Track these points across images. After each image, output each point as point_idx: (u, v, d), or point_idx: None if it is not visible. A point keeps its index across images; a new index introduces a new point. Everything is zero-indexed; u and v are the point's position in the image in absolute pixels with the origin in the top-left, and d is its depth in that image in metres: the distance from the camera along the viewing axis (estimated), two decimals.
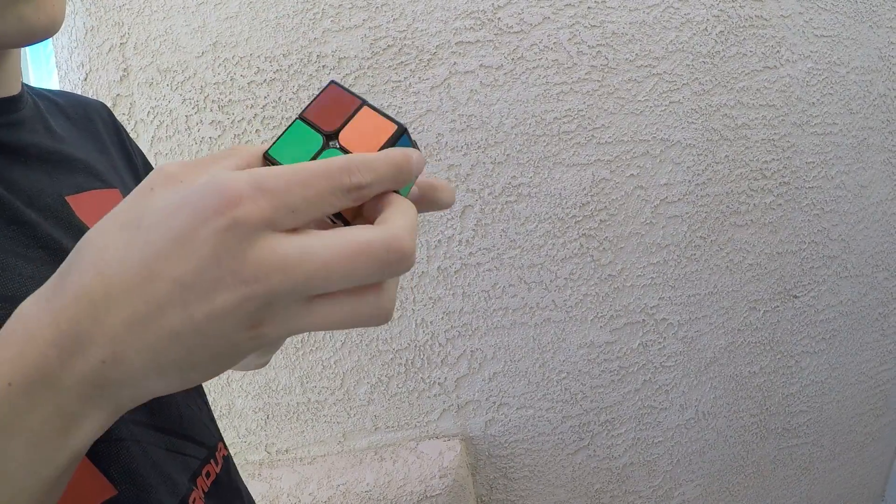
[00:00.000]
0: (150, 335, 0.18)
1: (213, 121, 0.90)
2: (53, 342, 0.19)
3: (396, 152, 0.21)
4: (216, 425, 0.44)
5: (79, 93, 0.97)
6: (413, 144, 0.24)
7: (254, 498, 0.45)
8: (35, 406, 0.19)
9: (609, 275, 0.93)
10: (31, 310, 0.20)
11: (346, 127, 0.24)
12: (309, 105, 0.25)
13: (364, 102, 0.25)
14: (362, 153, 0.21)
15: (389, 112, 0.88)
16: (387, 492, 0.88)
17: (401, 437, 0.94)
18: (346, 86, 0.25)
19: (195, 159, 0.21)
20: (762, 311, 1.01)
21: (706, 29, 0.92)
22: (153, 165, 0.93)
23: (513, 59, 0.88)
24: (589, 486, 1.02)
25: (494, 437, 0.96)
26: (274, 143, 0.25)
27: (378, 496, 0.88)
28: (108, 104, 0.98)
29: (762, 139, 0.97)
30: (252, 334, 0.19)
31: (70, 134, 0.42)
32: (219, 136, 0.90)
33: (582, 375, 0.96)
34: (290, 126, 0.25)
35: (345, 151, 0.23)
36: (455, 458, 0.90)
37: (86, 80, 0.99)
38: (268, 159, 0.24)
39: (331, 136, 0.24)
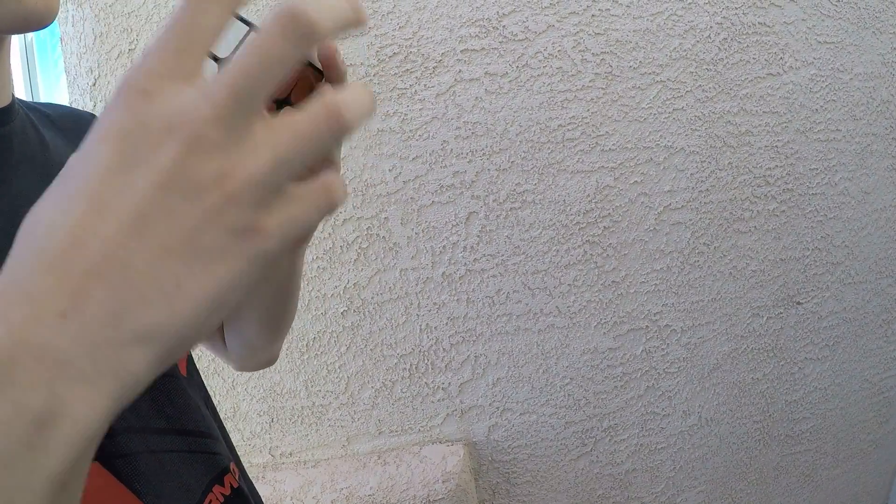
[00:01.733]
0: (105, 241, 0.15)
1: None
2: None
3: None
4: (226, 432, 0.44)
5: (87, 99, 0.98)
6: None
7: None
8: None
9: (612, 281, 0.93)
10: None
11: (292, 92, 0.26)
12: None
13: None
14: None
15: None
16: (390, 496, 0.89)
17: (404, 441, 0.95)
18: None
19: None
20: (765, 318, 1.01)
21: (709, 36, 0.92)
22: None
23: (517, 66, 0.88)
24: (591, 491, 1.02)
25: (497, 442, 0.97)
26: None
27: (381, 500, 0.88)
28: None
29: (765, 146, 0.97)
30: (214, 199, 0.16)
31: (63, 145, 0.41)
32: None
33: (585, 381, 0.96)
34: None
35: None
36: (458, 463, 0.90)
37: (94, 85, 1.00)
38: None
39: (284, 102, 0.26)
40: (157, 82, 0.16)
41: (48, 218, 0.16)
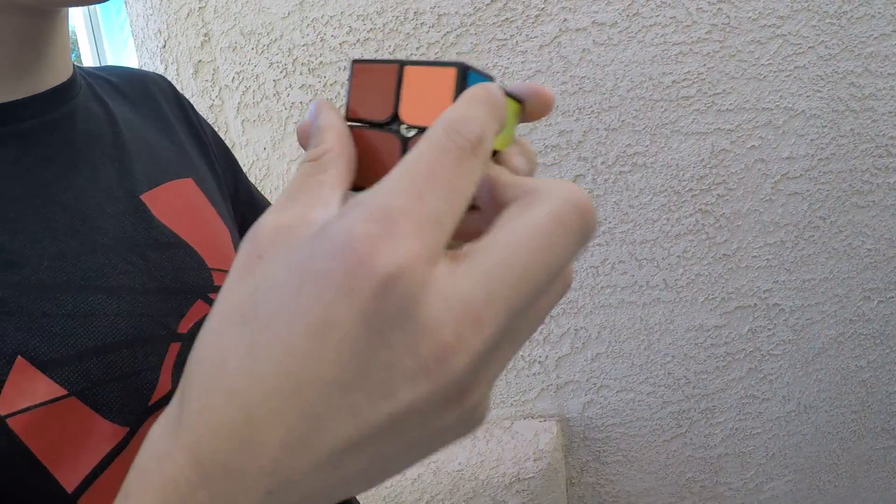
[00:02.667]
0: (318, 451, 0.14)
1: (303, 84, 0.86)
2: (200, 484, 0.14)
3: (473, 90, 0.16)
4: None
5: (157, 62, 0.93)
6: (486, 76, 0.19)
7: None
8: None
9: (723, 254, 0.87)
10: (161, 444, 0.15)
11: (402, 102, 0.18)
12: (348, 102, 0.19)
13: (402, 62, 0.19)
14: (456, 110, 0.15)
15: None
16: (479, 472, 0.85)
17: (496, 415, 0.90)
18: (375, 56, 0.20)
19: (293, 188, 0.16)
20: (876, 301, 0.94)
21: None
22: (225, 138, 0.89)
23: (628, 15, 0.81)
24: (680, 474, 0.97)
25: (591, 419, 0.92)
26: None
27: (469, 476, 0.84)
28: (189, 71, 0.94)
29: (889, 112, 0.89)
30: (457, 413, 0.14)
31: (132, 117, 0.37)
32: (310, 100, 0.86)
33: (687, 360, 0.90)
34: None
35: (420, 129, 0.18)
36: (551, 441, 0.86)
37: (164, 47, 0.94)
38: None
39: (392, 123, 0.18)
40: (420, 277, 0.12)
41: (244, 396, 0.14)
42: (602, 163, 0.82)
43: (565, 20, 0.81)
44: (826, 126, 0.87)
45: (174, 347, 0.29)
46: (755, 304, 0.89)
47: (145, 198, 0.32)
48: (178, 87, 0.92)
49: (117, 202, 0.30)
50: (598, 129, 0.82)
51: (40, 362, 0.24)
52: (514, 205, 0.15)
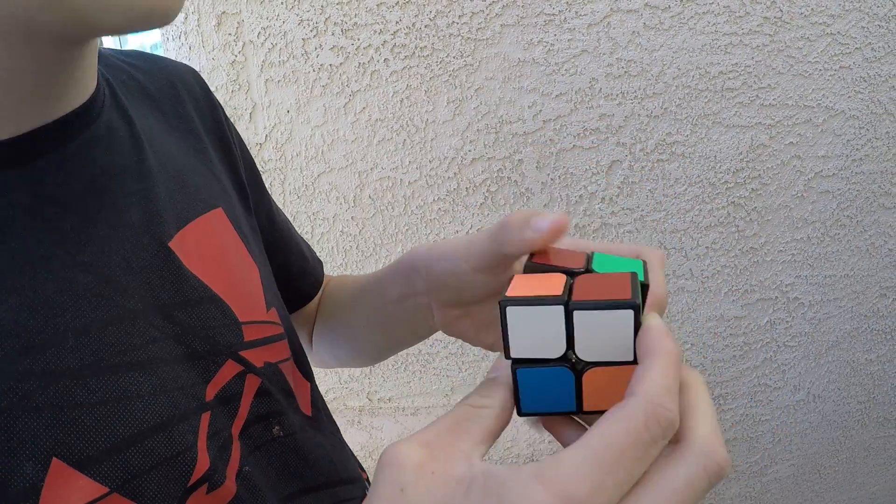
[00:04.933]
0: None
1: (334, 46, 0.82)
2: None
3: (666, 348, 0.18)
4: (354, 457, 0.41)
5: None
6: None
7: (353, 447, 0.42)
8: None
9: (751, 247, 0.88)
10: None
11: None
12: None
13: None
14: (656, 384, 0.16)
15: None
16: (492, 452, 0.87)
17: None
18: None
19: (446, 424, 0.18)
20: (891, 299, 0.96)
21: None
22: (246, 98, 0.84)
23: (681, 0, 0.79)
24: None
25: None
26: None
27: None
28: (212, 23, 0.89)
29: None
30: None
31: (159, 131, 0.31)
32: (341, 63, 0.83)
33: (706, 349, 0.93)
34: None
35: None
36: None
37: None
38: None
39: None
40: None
41: None
42: (640, 150, 0.82)
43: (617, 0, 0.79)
44: (863, 128, 0.87)
45: (205, 418, 0.27)
46: (776, 297, 0.91)
47: (174, 244, 0.28)
48: (199, 41, 0.87)
49: (143, 253, 0.26)
50: (639, 115, 0.81)
51: (77, 461, 0.22)
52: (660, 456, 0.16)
